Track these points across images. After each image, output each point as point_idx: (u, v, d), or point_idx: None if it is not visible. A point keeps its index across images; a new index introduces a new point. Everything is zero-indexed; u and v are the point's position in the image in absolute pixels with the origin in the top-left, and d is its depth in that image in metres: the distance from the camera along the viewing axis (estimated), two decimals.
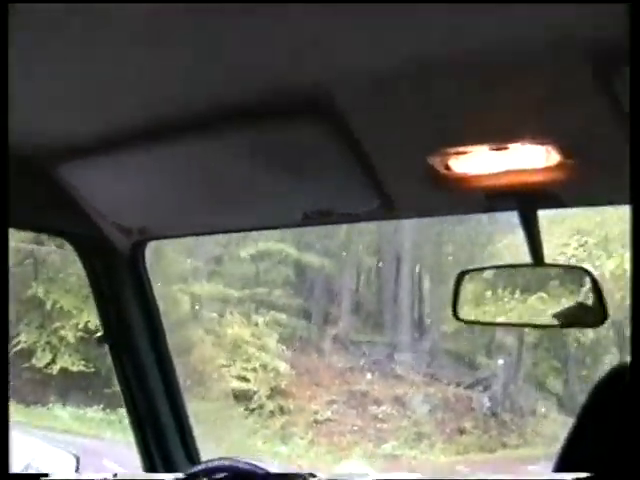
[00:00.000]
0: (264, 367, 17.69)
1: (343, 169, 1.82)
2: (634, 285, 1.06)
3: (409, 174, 1.79)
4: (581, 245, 18.04)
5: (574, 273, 2.04)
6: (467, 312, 2.37)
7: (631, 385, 1.04)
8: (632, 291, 1.07)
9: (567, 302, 2.23)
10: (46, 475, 2.25)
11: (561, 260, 18.25)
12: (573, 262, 17.71)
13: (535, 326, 2.89)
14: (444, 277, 21.92)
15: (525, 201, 1.78)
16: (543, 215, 1.88)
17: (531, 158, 1.60)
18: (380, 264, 22.91)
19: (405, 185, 1.86)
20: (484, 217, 16.95)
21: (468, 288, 2.31)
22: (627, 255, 18.93)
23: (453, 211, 2.13)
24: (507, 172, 1.68)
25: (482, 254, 19.32)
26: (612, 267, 18.38)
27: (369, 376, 19.37)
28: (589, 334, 20.37)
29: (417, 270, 21.00)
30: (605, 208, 20.27)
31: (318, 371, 18.98)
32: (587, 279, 1.97)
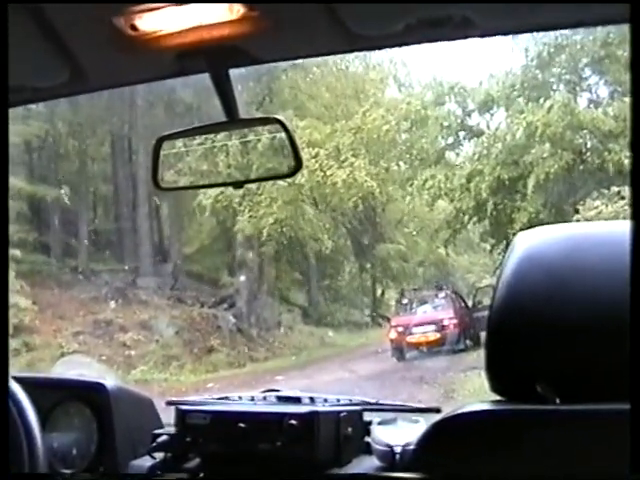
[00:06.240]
0: None
1: (31, 41, 1.62)
2: (633, 285, 1.06)
3: (96, 40, 1.66)
4: (313, 157, 18.52)
5: (270, 124, 2.01)
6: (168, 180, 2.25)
7: (631, 385, 1.03)
8: (632, 290, 1.07)
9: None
10: (47, 474, 2.11)
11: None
12: (306, 173, 18.20)
13: (233, 184, 2.81)
14: (181, 201, 21.91)
15: (215, 59, 1.73)
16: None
17: (216, 11, 1.56)
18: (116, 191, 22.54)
19: (94, 53, 1.73)
20: None
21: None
22: (357, 163, 19.68)
23: (145, 77, 2.05)
24: (196, 28, 1.61)
25: None
26: (344, 176, 19.07)
27: (113, 304, 19.15)
28: (328, 245, 20.93)
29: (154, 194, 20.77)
30: (337, 120, 20.72)
31: (61, 304, 18.54)
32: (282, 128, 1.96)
